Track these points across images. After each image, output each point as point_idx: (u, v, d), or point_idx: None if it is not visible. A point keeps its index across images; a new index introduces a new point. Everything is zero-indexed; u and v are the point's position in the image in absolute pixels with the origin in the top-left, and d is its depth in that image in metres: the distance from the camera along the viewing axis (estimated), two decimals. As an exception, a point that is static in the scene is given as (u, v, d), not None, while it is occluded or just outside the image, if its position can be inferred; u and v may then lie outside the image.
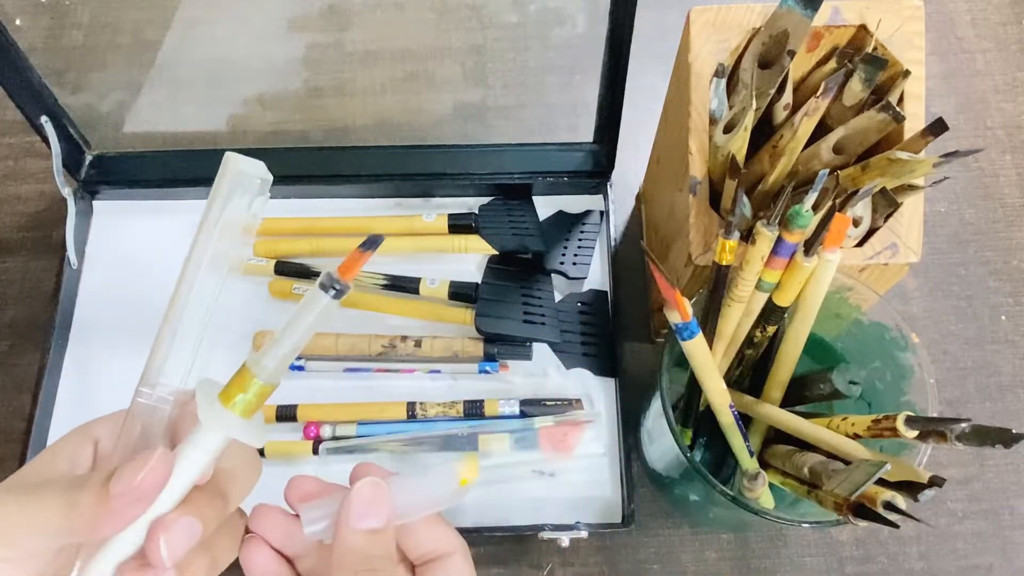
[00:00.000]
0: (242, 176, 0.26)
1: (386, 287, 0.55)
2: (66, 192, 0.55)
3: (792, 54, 0.41)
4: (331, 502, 0.28)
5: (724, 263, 0.39)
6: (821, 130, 0.41)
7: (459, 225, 0.57)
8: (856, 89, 0.41)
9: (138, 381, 0.27)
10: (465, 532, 0.50)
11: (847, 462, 0.37)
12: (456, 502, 0.28)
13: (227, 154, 0.26)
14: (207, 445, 0.26)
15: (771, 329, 0.41)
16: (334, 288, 0.25)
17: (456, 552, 0.30)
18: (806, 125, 0.40)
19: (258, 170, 0.26)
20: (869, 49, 0.42)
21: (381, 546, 0.27)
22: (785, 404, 0.43)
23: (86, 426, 0.28)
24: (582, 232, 0.57)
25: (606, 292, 0.56)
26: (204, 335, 0.27)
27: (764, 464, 0.42)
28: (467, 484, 0.28)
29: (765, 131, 0.42)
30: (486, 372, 0.53)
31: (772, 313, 0.40)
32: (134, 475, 0.24)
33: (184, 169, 0.58)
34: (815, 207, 0.36)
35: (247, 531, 0.30)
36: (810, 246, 0.37)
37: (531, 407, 0.52)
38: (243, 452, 0.29)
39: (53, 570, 0.25)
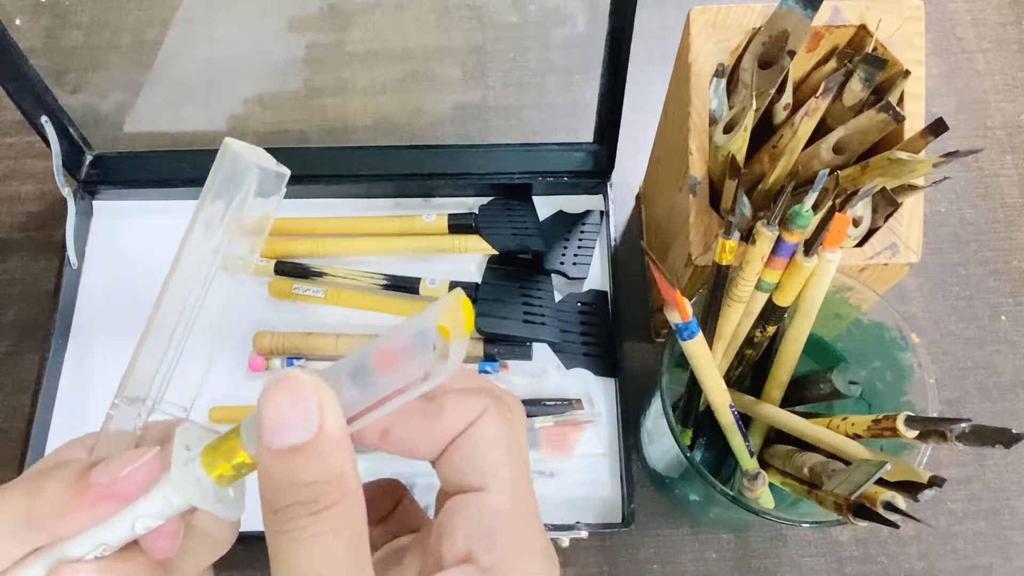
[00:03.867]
0: (239, 164, 0.22)
1: (386, 287, 0.55)
2: (66, 192, 0.55)
3: (792, 54, 0.41)
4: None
5: (724, 263, 0.39)
6: (821, 130, 0.41)
7: (459, 225, 0.57)
8: (856, 89, 0.41)
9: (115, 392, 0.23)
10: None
11: (847, 462, 0.37)
12: (446, 372, 0.19)
13: (225, 140, 0.22)
14: (167, 504, 0.22)
15: (771, 329, 0.41)
16: None
17: (483, 416, 0.22)
18: (806, 125, 0.40)
19: (260, 159, 0.22)
20: (869, 49, 0.42)
21: (315, 467, 0.19)
22: (785, 404, 0.43)
23: (84, 436, 0.25)
24: (582, 232, 0.57)
25: (606, 292, 0.56)
26: (193, 345, 0.24)
27: (764, 464, 0.42)
28: (454, 339, 0.19)
29: (765, 131, 0.42)
30: (486, 372, 0.53)
31: (772, 313, 0.40)
32: (121, 467, 0.21)
33: (184, 169, 0.58)
34: (815, 207, 0.36)
35: None
36: (810, 246, 0.37)
37: (531, 407, 0.52)
38: (216, 524, 0.25)
39: None
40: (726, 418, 0.41)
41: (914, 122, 0.41)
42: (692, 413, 0.44)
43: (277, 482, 0.19)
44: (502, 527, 0.21)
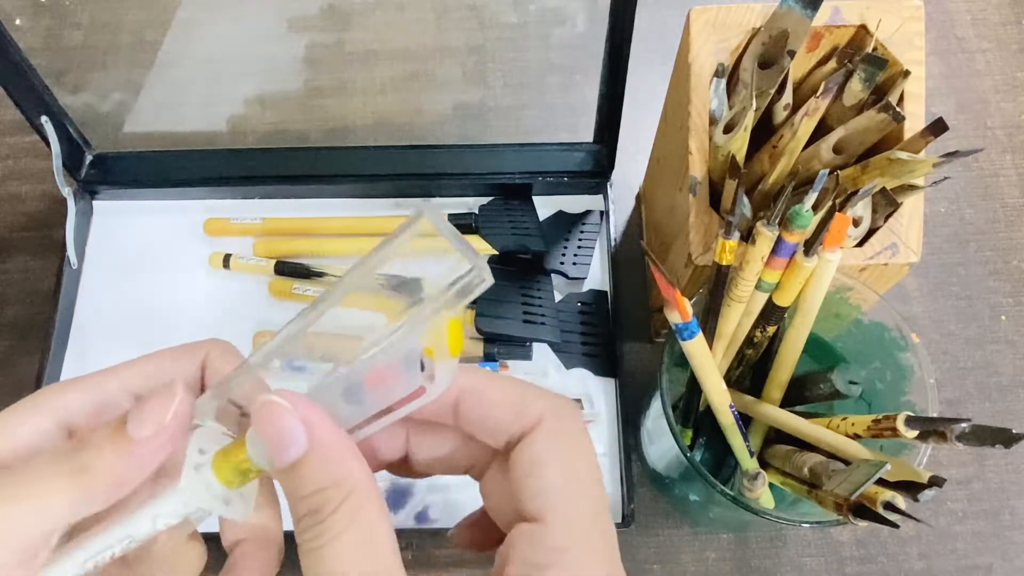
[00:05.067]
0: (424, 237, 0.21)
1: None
2: (66, 192, 0.55)
3: (792, 54, 0.41)
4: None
5: (724, 263, 0.39)
6: (821, 130, 0.41)
7: (459, 225, 0.57)
8: (856, 89, 0.41)
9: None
10: (465, 532, 0.50)
11: (847, 462, 0.37)
12: (435, 392, 0.21)
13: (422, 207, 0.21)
14: (183, 504, 0.22)
15: (771, 329, 0.41)
16: None
17: (540, 423, 0.22)
18: (806, 125, 0.40)
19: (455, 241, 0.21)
20: (869, 49, 0.42)
21: (315, 476, 0.20)
22: (785, 404, 0.43)
23: (42, 401, 0.24)
24: (582, 232, 0.57)
25: (606, 292, 0.56)
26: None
27: (764, 464, 0.42)
28: (438, 360, 0.20)
29: (765, 131, 0.42)
30: (486, 372, 0.53)
31: (772, 313, 0.40)
32: (162, 413, 0.21)
33: (184, 169, 0.58)
34: (815, 207, 0.36)
35: None
36: (810, 246, 0.37)
37: (531, 407, 0.52)
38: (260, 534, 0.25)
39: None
40: (726, 418, 0.41)
41: (914, 122, 0.41)
42: (692, 413, 0.44)
43: (290, 497, 0.21)
44: (555, 565, 0.21)
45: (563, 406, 0.23)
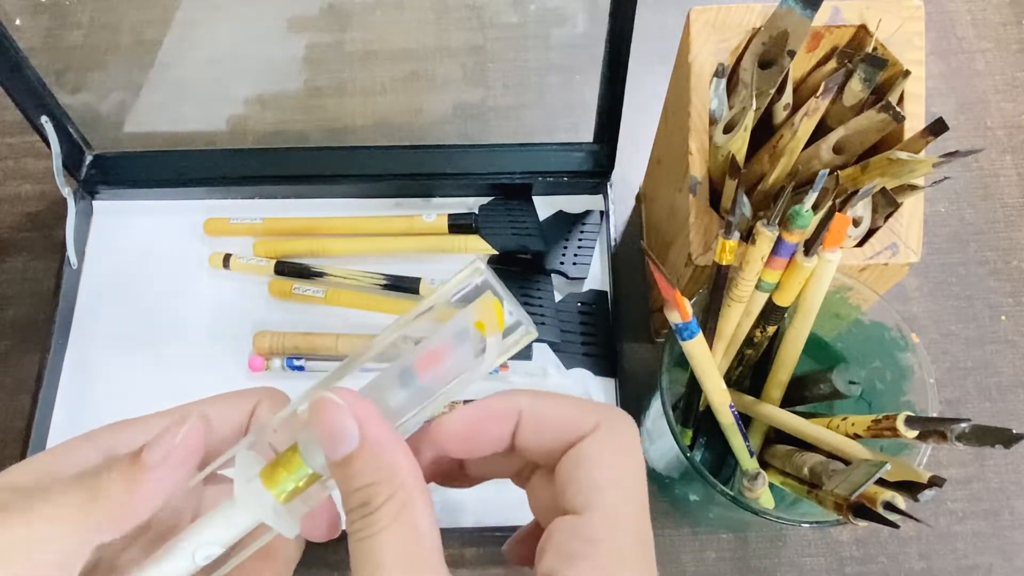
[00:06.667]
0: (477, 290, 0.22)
1: (386, 287, 0.55)
2: (66, 192, 0.55)
3: (792, 54, 0.41)
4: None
5: (724, 263, 0.39)
6: (821, 130, 0.41)
7: (459, 225, 0.57)
8: (856, 89, 0.41)
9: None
10: (465, 532, 0.50)
11: (847, 462, 0.37)
12: (485, 367, 0.22)
13: (477, 262, 0.22)
14: (229, 526, 0.22)
15: (771, 329, 0.41)
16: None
17: (595, 430, 0.23)
18: (806, 125, 0.40)
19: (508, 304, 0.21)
20: (869, 49, 0.42)
21: (366, 470, 0.21)
22: (785, 404, 0.43)
23: (97, 434, 0.24)
24: (582, 232, 0.57)
25: (606, 292, 0.56)
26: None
27: (764, 464, 0.42)
28: (489, 333, 0.21)
29: (765, 131, 0.42)
30: (486, 372, 0.53)
31: (772, 313, 0.40)
32: (171, 439, 0.22)
33: (184, 169, 0.58)
34: (815, 207, 0.36)
35: None
36: (810, 246, 0.37)
37: (531, 407, 0.52)
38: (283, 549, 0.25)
39: None
40: (726, 418, 0.41)
41: (914, 122, 0.41)
42: (692, 413, 0.44)
43: (342, 491, 0.22)
44: (589, 555, 0.21)
45: (619, 415, 0.23)
